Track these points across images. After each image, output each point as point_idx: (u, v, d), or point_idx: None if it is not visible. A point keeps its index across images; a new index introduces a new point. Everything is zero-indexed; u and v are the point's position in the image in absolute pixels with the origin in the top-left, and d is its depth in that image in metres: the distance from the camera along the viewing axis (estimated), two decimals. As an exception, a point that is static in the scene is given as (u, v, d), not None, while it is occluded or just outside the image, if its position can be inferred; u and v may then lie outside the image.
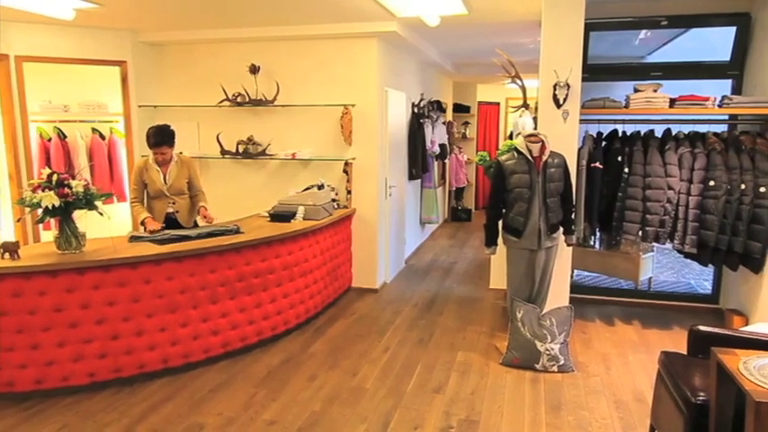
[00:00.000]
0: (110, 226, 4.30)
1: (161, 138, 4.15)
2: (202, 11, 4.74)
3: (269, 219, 4.82)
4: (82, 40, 5.29)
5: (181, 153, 4.48)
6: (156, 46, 5.84)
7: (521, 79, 5.19)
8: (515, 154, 3.97)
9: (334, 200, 5.34)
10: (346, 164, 5.51)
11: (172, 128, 4.26)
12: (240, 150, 5.68)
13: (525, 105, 5.19)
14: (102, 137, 5.68)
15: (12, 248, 3.39)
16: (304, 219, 4.77)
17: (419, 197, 7.86)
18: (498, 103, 11.32)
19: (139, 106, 5.69)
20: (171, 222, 4.30)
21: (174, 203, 4.29)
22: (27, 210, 3.65)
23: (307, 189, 5.15)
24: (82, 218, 3.65)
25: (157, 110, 5.77)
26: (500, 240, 4.21)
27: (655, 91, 4.46)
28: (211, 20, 5.12)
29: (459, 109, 10.40)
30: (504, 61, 5.14)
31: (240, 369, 3.90)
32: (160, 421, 3.22)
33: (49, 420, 3.22)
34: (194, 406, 3.40)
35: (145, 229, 4.11)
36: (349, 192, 5.57)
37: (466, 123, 10.64)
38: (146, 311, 3.63)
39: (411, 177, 7.05)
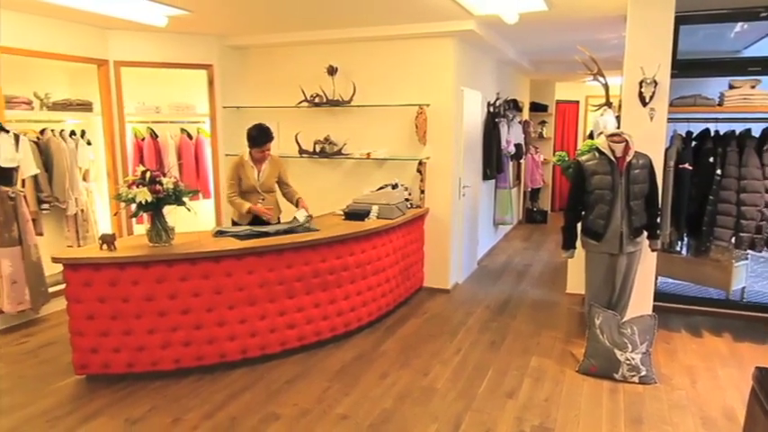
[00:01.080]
0: (196, 221, 4.56)
1: (268, 136, 4.40)
2: (284, 14, 4.90)
3: (344, 217, 4.91)
4: (172, 45, 5.61)
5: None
6: (240, 49, 6.09)
7: (603, 76, 4.99)
8: (597, 154, 3.83)
9: (407, 199, 5.36)
10: (420, 163, 5.52)
11: (266, 126, 4.47)
12: (317, 150, 5.82)
13: (608, 104, 4.99)
14: (190, 136, 6.00)
15: (109, 240, 3.65)
16: (378, 218, 4.83)
17: (493, 198, 7.75)
18: (577, 102, 10.94)
19: (224, 107, 5.96)
20: (259, 217, 4.50)
21: (263, 200, 4.49)
22: (122, 204, 3.92)
23: (381, 188, 5.20)
24: (171, 213, 3.88)
25: (240, 110, 6.02)
26: (578, 244, 4.07)
27: (753, 87, 4.17)
28: (292, 23, 5.28)
29: (537, 108, 10.14)
30: (585, 58, 4.97)
31: (314, 363, 4.00)
32: (239, 409, 3.36)
33: (139, 402, 3.45)
34: (271, 396, 3.52)
35: (250, 212, 4.43)
36: (422, 191, 5.58)
37: (543, 122, 10.36)
38: (227, 303, 3.80)
39: (485, 177, 6.96)
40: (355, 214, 4.85)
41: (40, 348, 4.28)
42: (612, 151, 3.74)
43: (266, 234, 4.07)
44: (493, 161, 6.94)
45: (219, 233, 4.12)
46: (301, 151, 5.84)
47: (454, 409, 3.37)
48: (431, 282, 5.77)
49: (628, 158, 3.73)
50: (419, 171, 5.54)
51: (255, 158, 4.46)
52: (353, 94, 5.61)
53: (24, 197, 4.58)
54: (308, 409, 3.37)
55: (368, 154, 5.61)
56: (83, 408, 3.38)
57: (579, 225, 4.03)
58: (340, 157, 5.78)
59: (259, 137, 4.38)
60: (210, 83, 5.86)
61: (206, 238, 4.06)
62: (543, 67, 8.49)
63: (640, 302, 4.14)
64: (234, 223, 4.61)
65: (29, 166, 4.57)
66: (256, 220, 4.48)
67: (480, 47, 6.03)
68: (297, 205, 4.62)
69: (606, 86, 5.03)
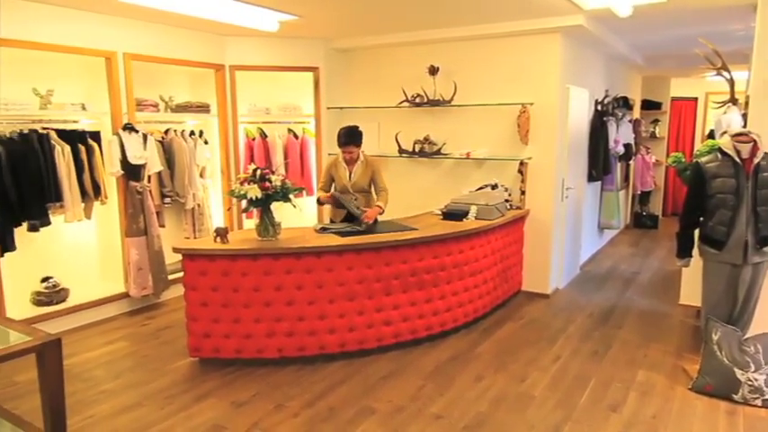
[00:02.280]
0: (300, 217, 4.76)
1: (349, 138, 4.48)
2: (389, 16, 4.98)
3: (441, 217, 4.91)
4: (282, 49, 5.89)
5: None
6: (345, 52, 6.28)
7: (728, 71, 4.60)
8: (719, 155, 3.53)
9: (507, 200, 5.26)
10: (521, 164, 5.39)
11: (360, 129, 4.57)
12: (416, 149, 5.86)
13: (732, 100, 4.59)
14: (296, 136, 6.27)
15: (222, 233, 3.91)
16: (476, 218, 4.78)
17: (599, 200, 7.39)
18: (696, 99, 10.15)
19: (328, 108, 6.17)
20: (353, 217, 4.60)
21: (356, 200, 4.59)
22: (234, 200, 4.18)
23: (480, 189, 5.14)
24: (277, 209, 4.07)
25: (343, 111, 6.20)
26: (695, 252, 3.78)
27: None
28: (396, 24, 5.35)
29: (649, 105, 9.54)
30: (707, 52, 4.60)
31: (409, 361, 4.04)
32: (337, 401, 3.47)
33: (245, 386, 3.66)
34: (367, 390, 3.60)
35: (320, 202, 4.68)
36: (523, 192, 5.44)
37: (655, 121, 9.73)
38: (328, 297, 3.93)
39: (591, 179, 6.65)
40: (453, 214, 4.83)
41: (160, 330, 4.67)
42: (738, 152, 3.44)
43: (367, 231, 4.16)
44: (599, 162, 6.62)
45: (322, 230, 4.27)
46: (401, 151, 5.91)
47: (552, 419, 3.26)
48: (530, 285, 5.61)
49: (756, 160, 3.42)
50: (520, 171, 5.41)
51: (346, 159, 4.56)
52: (454, 94, 5.59)
53: (150, 192, 5.02)
54: (402, 405, 3.41)
55: (467, 153, 5.57)
56: (195, 388, 3.65)
57: (696, 232, 3.75)
58: (439, 156, 5.79)
59: (342, 137, 4.48)
60: (316, 84, 6.09)
61: (309, 233, 4.23)
62: (658, 63, 7.96)
63: (766, 318, 3.78)
64: (331, 221, 4.76)
65: (154, 164, 5.00)
66: (348, 217, 4.60)
67: (588, 42, 5.78)
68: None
69: (731, 82, 4.63)
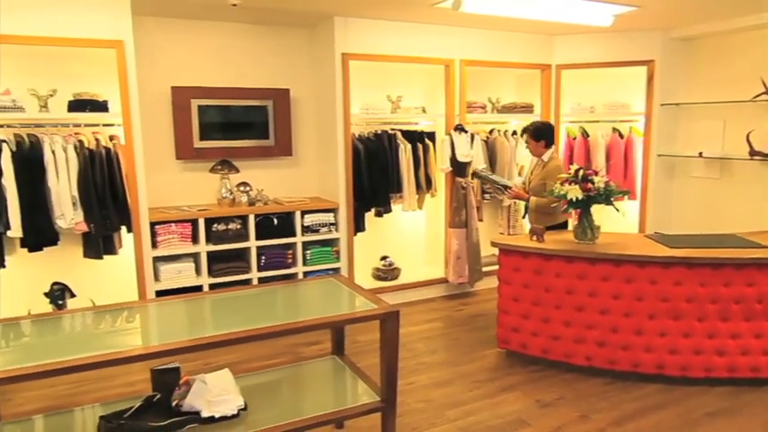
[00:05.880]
0: (622, 222, 4.48)
1: (525, 127, 4.41)
2: (749, -5, 4.24)
3: (808, 236, 3.98)
4: (612, 44, 5.57)
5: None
6: (687, 41, 5.58)
7: None
8: None
9: None
10: None
11: (547, 124, 4.46)
12: (775, 152, 4.87)
13: None
14: (621, 135, 5.87)
15: (539, 232, 3.94)
16: None
17: None
18: None
19: (661, 105, 5.60)
20: (560, 225, 4.33)
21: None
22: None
23: None
24: (597, 212, 3.90)
25: (679, 107, 5.55)
26: None
27: None
28: (756, 4, 4.50)
29: None
30: None
31: (746, 402, 3.42)
32: (649, 427, 3.16)
33: (549, 388, 3.64)
34: (687, 425, 3.19)
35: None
36: None
37: None
38: (647, 312, 3.60)
39: None
40: (826, 234, 3.87)
41: (472, 317, 5.00)
42: None
43: (702, 244, 3.67)
44: None
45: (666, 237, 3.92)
46: (753, 153, 4.97)
47: None
48: None
49: None
50: None
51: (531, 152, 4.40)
52: (840, 83, 4.44)
53: (473, 188, 5.40)
54: (734, 452, 2.92)
55: None
56: (501, 378, 3.79)
57: None
58: (809, 161, 4.68)
59: None
60: (650, 79, 5.58)
61: (631, 240, 3.95)
62: None
63: None
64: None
65: (479, 162, 5.35)
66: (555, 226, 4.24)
67: None
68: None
69: None
